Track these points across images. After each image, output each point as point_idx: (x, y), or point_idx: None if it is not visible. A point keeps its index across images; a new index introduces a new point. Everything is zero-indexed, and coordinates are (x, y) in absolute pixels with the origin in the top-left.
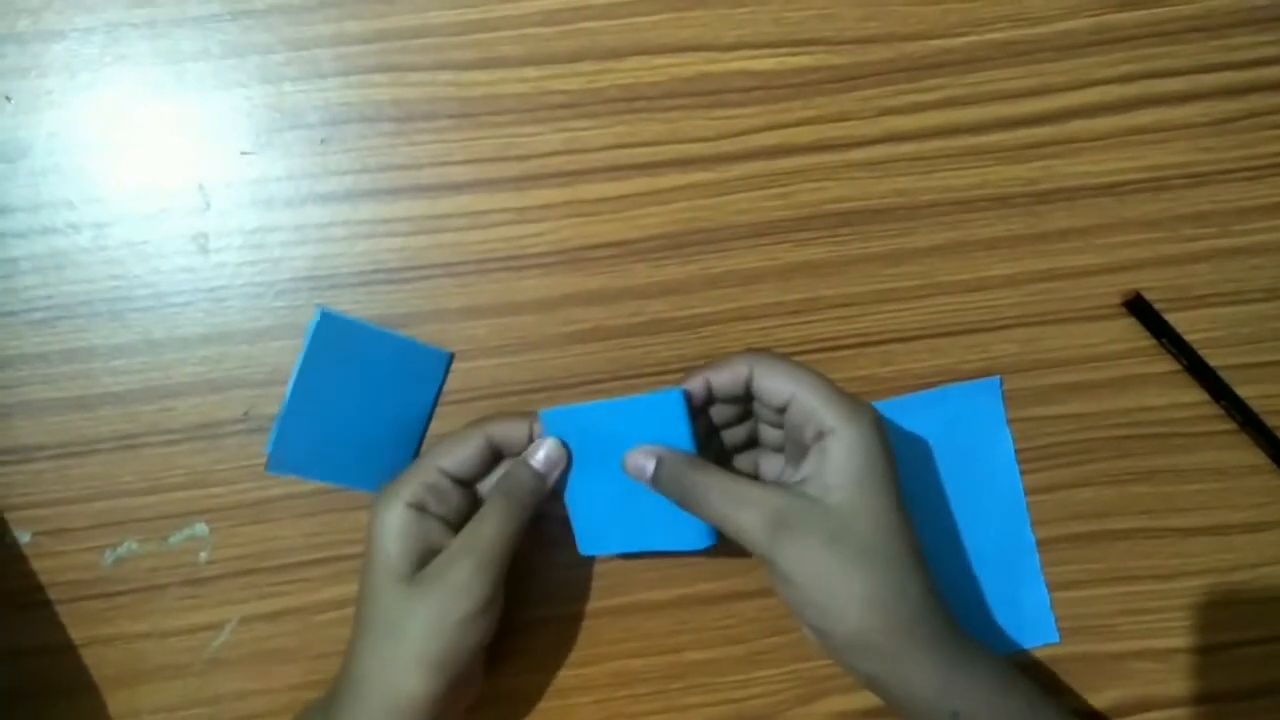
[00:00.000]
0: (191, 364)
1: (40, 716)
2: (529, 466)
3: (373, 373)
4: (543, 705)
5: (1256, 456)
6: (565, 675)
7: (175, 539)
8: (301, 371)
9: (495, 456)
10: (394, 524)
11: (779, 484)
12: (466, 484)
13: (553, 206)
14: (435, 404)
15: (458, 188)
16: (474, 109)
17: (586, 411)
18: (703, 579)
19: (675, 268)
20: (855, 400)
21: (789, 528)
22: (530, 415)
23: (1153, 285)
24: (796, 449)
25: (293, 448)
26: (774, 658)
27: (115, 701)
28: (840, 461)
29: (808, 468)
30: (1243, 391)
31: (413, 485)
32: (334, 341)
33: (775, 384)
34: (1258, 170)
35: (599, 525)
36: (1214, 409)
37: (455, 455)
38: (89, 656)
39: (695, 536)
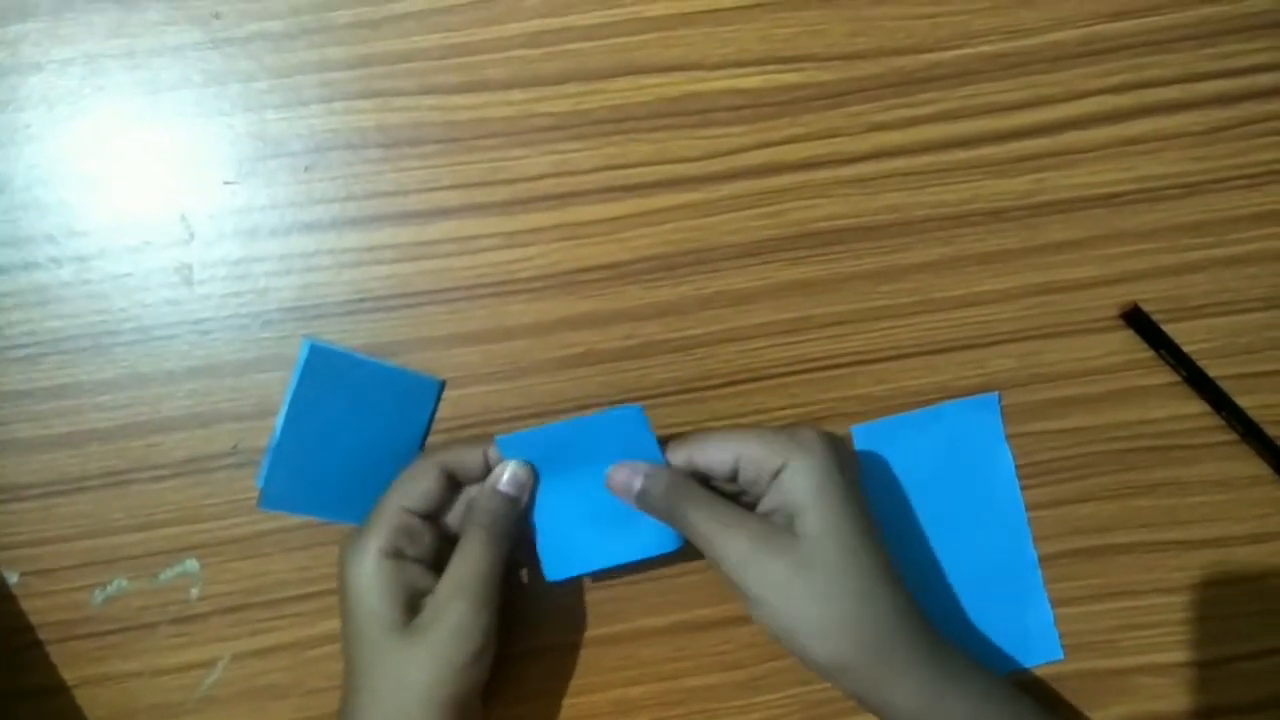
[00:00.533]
0: (179, 398)
1: None
2: (498, 493)
3: (363, 403)
4: None
5: (1258, 467)
6: (564, 704)
7: (165, 576)
8: (291, 405)
9: (454, 485)
10: (373, 576)
11: (755, 514)
12: (432, 518)
13: (542, 230)
14: (428, 432)
15: (445, 213)
16: (460, 133)
17: (543, 434)
18: (699, 604)
19: (667, 289)
20: (801, 431)
21: (760, 556)
22: (483, 440)
23: (1150, 296)
24: (758, 497)
25: (284, 484)
26: (774, 682)
27: None
28: (797, 491)
29: (769, 502)
30: (1243, 402)
31: (382, 532)
32: (323, 373)
33: (715, 456)
34: (1253, 178)
35: (565, 547)
36: (1214, 420)
37: (415, 492)
38: (82, 697)
39: (663, 540)
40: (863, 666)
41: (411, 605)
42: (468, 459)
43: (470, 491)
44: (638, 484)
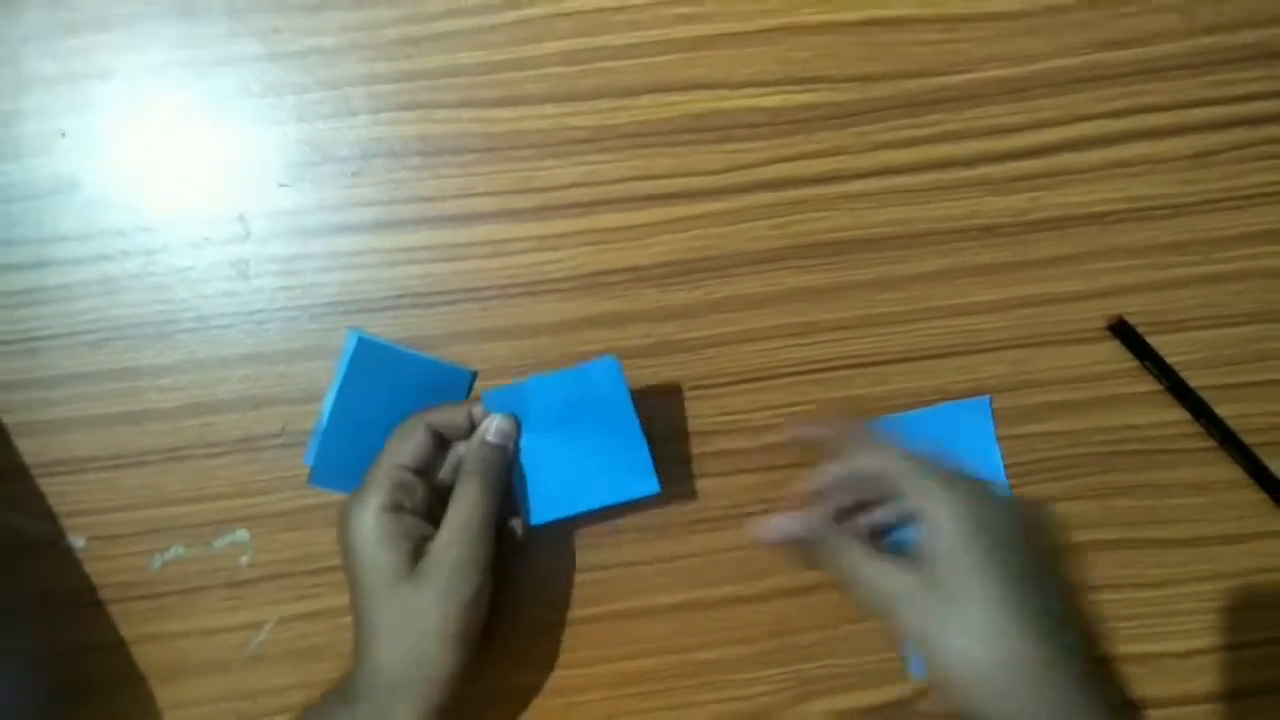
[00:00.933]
0: (233, 382)
1: (94, 708)
2: (487, 443)
3: (403, 390)
4: (554, 702)
5: (1234, 472)
6: (576, 674)
7: (218, 544)
8: (339, 392)
9: (442, 443)
10: (375, 529)
11: (896, 561)
12: (424, 474)
13: (570, 235)
14: None
15: (481, 218)
16: (497, 144)
17: (525, 387)
18: (707, 584)
19: (683, 293)
20: (942, 476)
21: (905, 606)
22: (468, 402)
23: (1136, 310)
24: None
25: (331, 464)
26: (778, 657)
27: (163, 695)
28: (935, 546)
29: (915, 539)
30: (1222, 411)
31: (382, 489)
32: (368, 363)
33: (871, 473)
34: (1239, 200)
35: (548, 493)
36: (1194, 427)
37: (406, 450)
38: (138, 653)
39: (643, 484)
40: (997, 711)
41: (414, 553)
42: (454, 417)
43: (459, 449)
44: (795, 529)
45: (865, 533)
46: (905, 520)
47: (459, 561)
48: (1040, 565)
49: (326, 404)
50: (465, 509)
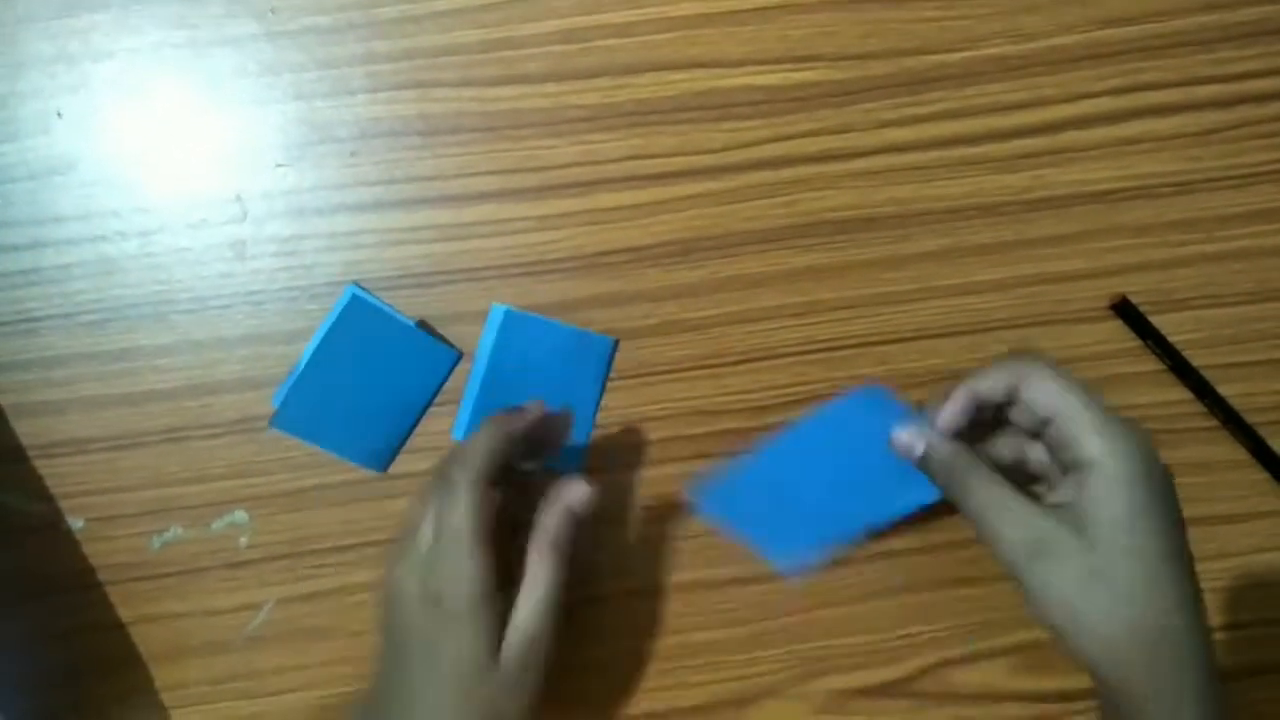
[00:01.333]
0: (231, 363)
1: (93, 689)
2: (572, 513)
3: (385, 357)
4: (556, 683)
5: (1237, 452)
6: (579, 654)
7: (217, 525)
8: (322, 342)
9: (527, 449)
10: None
11: (1042, 505)
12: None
13: (571, 215)
14: (434, 397)
15: (481, 197)
16: (497, 123)
17: (535, 322)
18: (707, 565)
19: (685, 272)
20: (1124, 426)
21: (1045, 556)
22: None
23: (1139, 289)
24: (1060, 465)
25: (298, 411)
26: (774, 638)
27: (161, 675)
28: (1101, 499)
29: (1067, 492)
30: (1224, 390)
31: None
32: (357, 321)
33: (1040, 398)
34: (1242, 179)
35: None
36: (1197, 407)
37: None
38: (137, 634)
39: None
40: (1127, 684)
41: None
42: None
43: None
44: (920, 448)
45: (1005, 463)
46: (1063, 459)
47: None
48: (1184, 540)
49: (306, 351)
50: (545, 584)
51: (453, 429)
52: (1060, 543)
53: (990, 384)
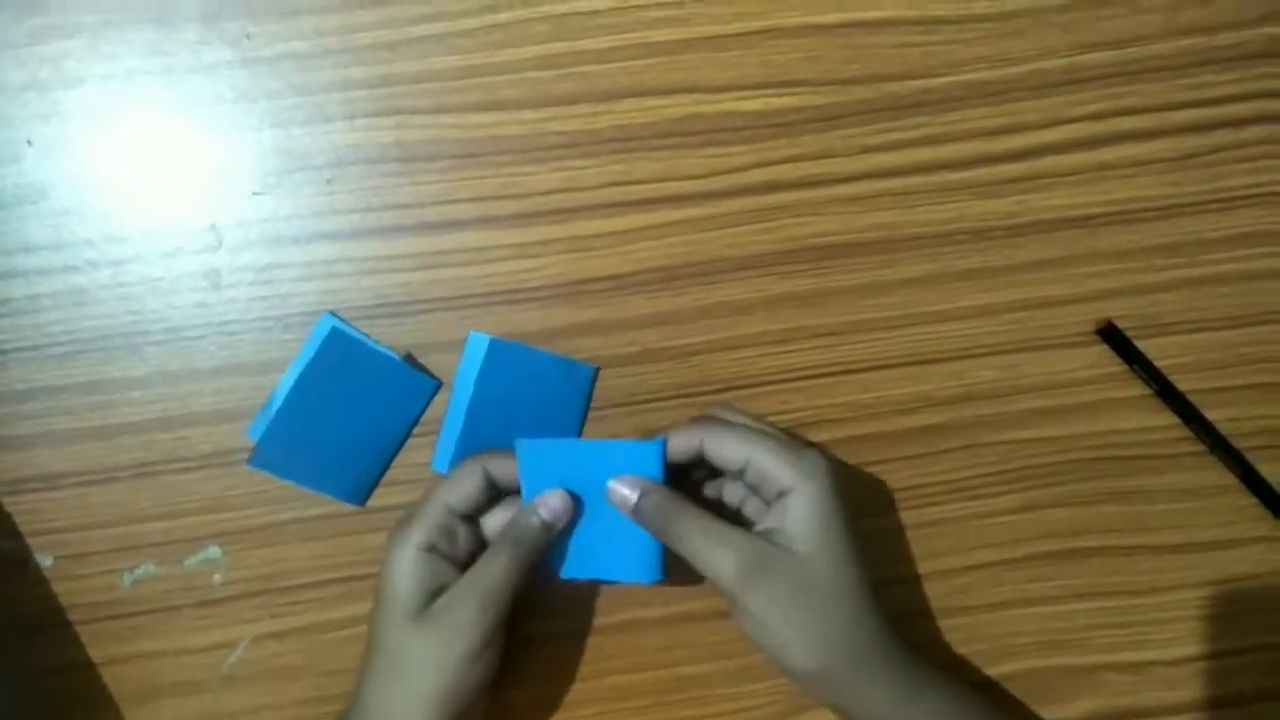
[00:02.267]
0: (205, 395)
1: None
2: (538, 515)
3: (363, 388)
4: (546, 716)
5: (1224, 477)
6: (567, 689)
7: (190, 562)
8: (302, 376)
9: (494, 491)
10: (406, 564)
11: (750, 532)
12: (471, 519)
13: (551, 242)
14: (413, 427)
15: (459, 225)
16: (475, 149)
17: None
18: (694, 597)
19: (667, 300)
20: (808, 454)
21: (759, 572)
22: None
23: (1124, 314)
24: (760, 501)
25: (277, 448)
26: (762, 672)
27: (134, 717)
28: (800, 516)
29: (772, 520)
30: (1211, 415)
31: (424, 527)
32: (336, 353)
33: (727, 451)
34: (1224, 203)
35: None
36: (1183, 432)
37: (459, 491)
38: (108, 675)
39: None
40: (845, 675)
41: (433, 598)
42: (513, 470)
43: (511, 505)
44: (633, 498)
45: (714, 505)
46: (763, 494)
47: (461, 620)
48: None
49: (284, 384)
50: (488, 570)
51: (433, 461)
52: (773, 559)
53: (675, 445)
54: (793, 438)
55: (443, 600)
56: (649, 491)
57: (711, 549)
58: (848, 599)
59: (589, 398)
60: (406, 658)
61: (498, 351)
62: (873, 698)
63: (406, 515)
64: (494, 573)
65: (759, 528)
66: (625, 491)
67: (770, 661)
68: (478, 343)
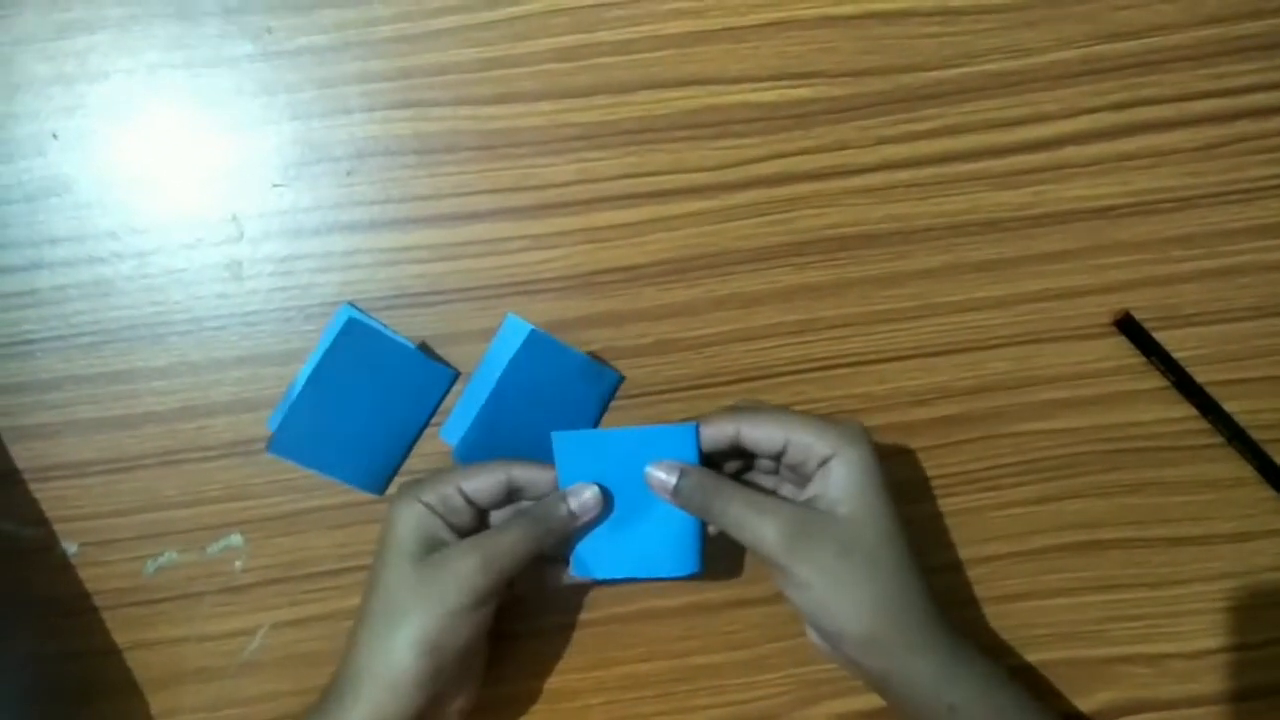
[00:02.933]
0: (227, 384)
1: (87, 716)
2: (566, 505)
3: (381, 378)
4: (557, 706)
5: (1242, 469)
6: (578, 678)
7: (213, 549)
8: (319, 365)
9: (511, 495)
10: (409, 515)
11: (793, 500)
12: (479, 509)
13: (566, 233)
14: (431, 417)
15: (476, 216)
16: (492, 141)
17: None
18: (708, 588)
19: (681, 291)
20: (844, 423)
21: (805, 538)
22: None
23: (1142, 305)
24: (799, 480)
25: (295, 435)
26: (776, 662)
27: (156, 702)
28: (844, 480)
29: (814, 489)
30: (1229, 407)
31: (433, 491)
32: (353, 342)
33: (764, 433)
34: (1244, 193)
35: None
36: (1201, 424)
37: (476, 481)
38: (132, 660)
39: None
40: (892, 639)
41: (430, 547)
42: (538, 479)
43: (520, 506)
44: (673, 481)
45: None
46: (805, 470)
47: (460, 570)
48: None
49: (302, 373)
50: (501, 540)
51: (443, 431)
52: (817, 524)
53: (711, 434)
54: (828, 416)
55: (447, 550)
56: (688, 472)
57: (755, 518)
58: (893, 562)
59: (608, 404)
60: (401, 599)
61: (535, 342)
62: (918, 665)
63: (416, 478)
64: (504, 538)
65: (800, 499)
66: (663, 475)
67: (816, 630)
68: (516, 327)
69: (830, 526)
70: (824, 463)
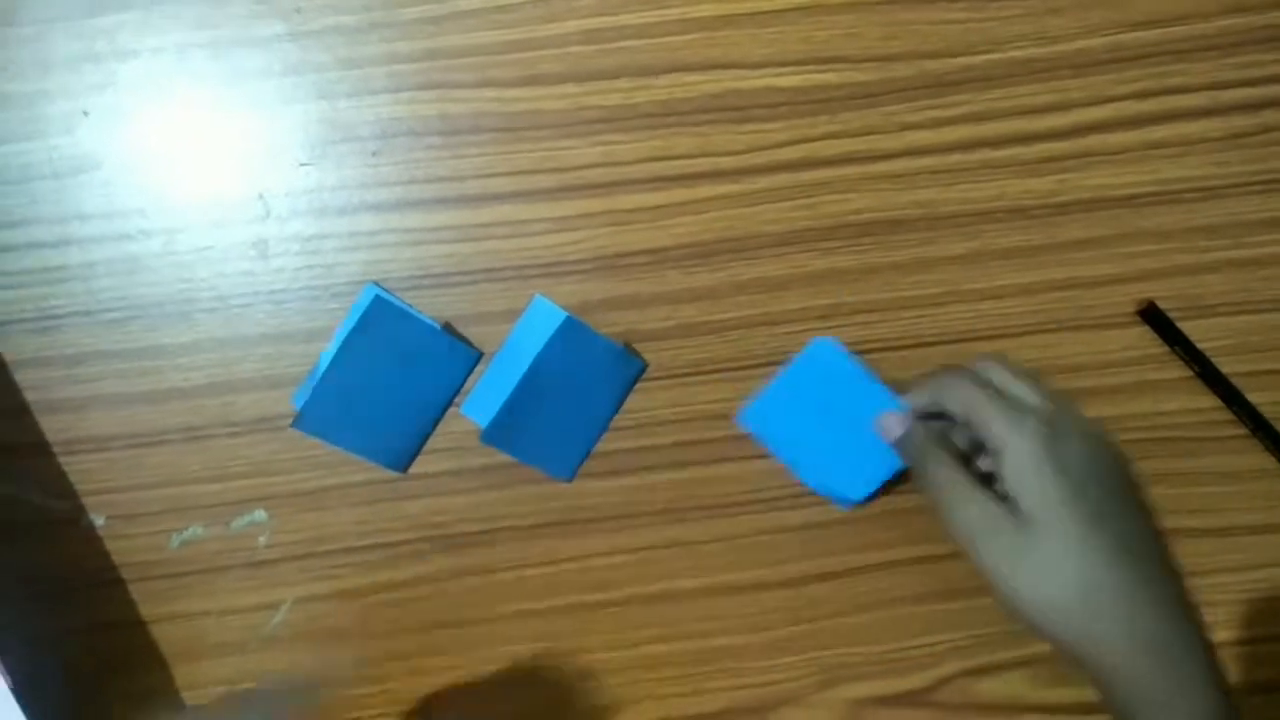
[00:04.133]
0: (252, 361)
1: (112, 686)
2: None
3: (405, 357)
4: (575, 685)
5: (1266, 461)
6: (600, 658)
7: (237, 524)
8: (345, 343)
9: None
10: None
11: (985, 488)
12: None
13: (590, 216)
14: (454, 396)
15: (500, 198)
16: (516, 123)
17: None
18: (730, 569)
19: (705, 274)
20: (1020, 410)
21: (987, 532)
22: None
23: (1166, 294)
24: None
25: (322, 412)
26: (796, 645)
27: (180, 674)
28: (1016, 478)
29: (998, 471)
30: (1253, 398)
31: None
32: (378, 321)
33: (953, 405)
34: (1270, 184)
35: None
36: (1225, 414)
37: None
38: (156, 632)
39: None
40: (1081, 636)
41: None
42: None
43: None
44: (899, 431)
45: (965, 455)
46: (991, 449)
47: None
48: (1121, 497)
49: (327, 351)
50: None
51: (464, 407)
52: (996, 520)
53: (916, 399)
54: (1021, 400)
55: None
56: (917, 430)
57: (948, 497)
58: (1080, 564)
59: (629, 390)
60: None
61: (569, 329)
62: (1106, 648)
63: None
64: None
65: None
66: (891, 425)
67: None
68: (548, 312)
69: (1011, 522)
70: (997, 452)
